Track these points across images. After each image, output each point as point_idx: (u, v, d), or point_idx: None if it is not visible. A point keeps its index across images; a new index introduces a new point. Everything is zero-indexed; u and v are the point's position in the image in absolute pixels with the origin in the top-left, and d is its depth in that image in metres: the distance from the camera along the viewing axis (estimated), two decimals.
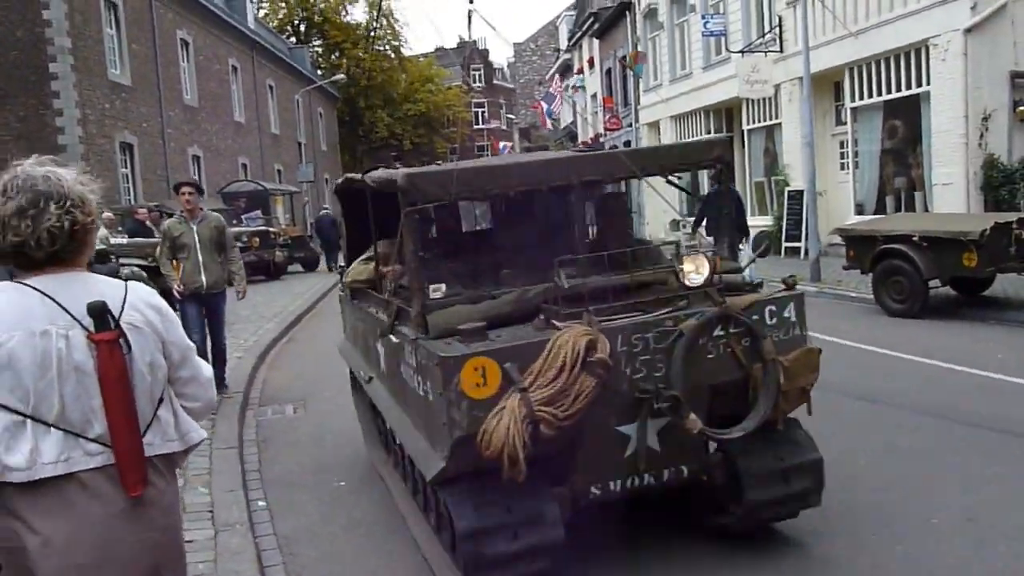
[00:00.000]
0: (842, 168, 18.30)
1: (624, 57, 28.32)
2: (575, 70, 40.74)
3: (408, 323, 4.03)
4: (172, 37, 26.68)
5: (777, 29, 19.00)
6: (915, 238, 10.10)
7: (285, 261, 22.66)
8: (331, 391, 7.96)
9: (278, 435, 7.18)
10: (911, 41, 15.15)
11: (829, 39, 16.97)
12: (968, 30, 13.93)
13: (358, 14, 75.37)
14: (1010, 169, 13.94)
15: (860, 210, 17.25)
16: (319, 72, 46.72)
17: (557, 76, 44.57)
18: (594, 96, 37.09)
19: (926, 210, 15.20)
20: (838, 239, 12.19)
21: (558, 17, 51.17)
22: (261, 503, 5.42)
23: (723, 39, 20.79)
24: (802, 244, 17.46)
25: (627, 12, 29.14)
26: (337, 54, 49.78)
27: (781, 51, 18.84)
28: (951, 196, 14.45)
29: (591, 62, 36.98)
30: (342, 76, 43.33)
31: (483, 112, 67.07)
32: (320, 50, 50.45)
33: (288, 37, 47.38)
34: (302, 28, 49.70)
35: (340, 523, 5.08)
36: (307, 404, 8.17)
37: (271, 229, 22.72)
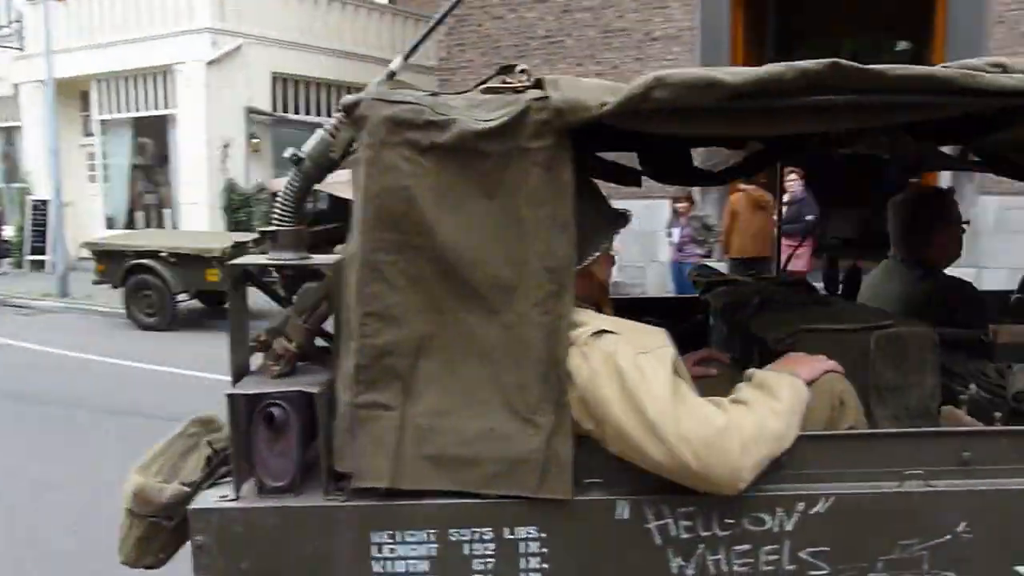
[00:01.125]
0: (91, 180, 17.88)
1: None
2: None
3: None
4: None
5: (18, 25, 17.57)
6: (163, 254, 10.58)
7: None
8: None
9: None
10: (157, 64, 15.70)
11: (76, 46, 16.41)
12: (210, 63, 15.09)
13: None
14: (247, 194, 15.55)
15: (111, 224, 17.14)
16: None
17: None
18: None
19: (175, 227, 15.91)
20: (88, 253, 11.94)
21: None
22: None
23: None
24: (48, 257, 16.48)
25: None
26: None
27: (22, 49, 17.48)
28: (197, 215, 15.42)
29: None
30: None
31: None
32: None
33: None
34: None
35: None
36: None
37: None
